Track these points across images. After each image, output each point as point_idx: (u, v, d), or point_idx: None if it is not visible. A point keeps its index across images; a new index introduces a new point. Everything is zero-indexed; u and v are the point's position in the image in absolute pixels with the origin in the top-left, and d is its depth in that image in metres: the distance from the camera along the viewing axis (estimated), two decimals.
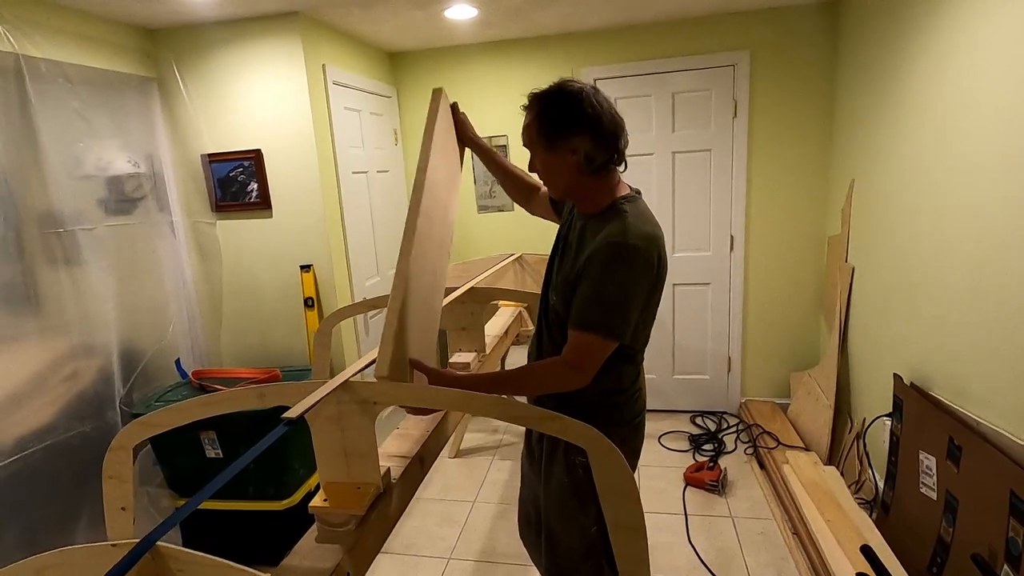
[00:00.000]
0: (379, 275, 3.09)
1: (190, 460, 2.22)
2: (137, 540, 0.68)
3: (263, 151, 2.50)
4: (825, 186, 2.99)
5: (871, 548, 1.25)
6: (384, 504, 1.20)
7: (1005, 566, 1.50)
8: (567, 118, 1.21)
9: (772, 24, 2.89)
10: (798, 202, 3.05)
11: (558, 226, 1.45)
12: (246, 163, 2.53)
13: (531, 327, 2.84)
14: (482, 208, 3.42)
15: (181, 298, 2.65)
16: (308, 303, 2.58)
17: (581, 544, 1.36)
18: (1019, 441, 1.51)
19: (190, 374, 2.44)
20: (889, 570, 1.21)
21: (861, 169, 2.57)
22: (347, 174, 2.73)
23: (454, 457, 3.07)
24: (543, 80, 3.42)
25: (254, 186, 2.54)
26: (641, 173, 3.16)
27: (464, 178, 3.39)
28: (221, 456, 2.19)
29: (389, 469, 1.26)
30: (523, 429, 3.52)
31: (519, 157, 3.27)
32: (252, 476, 2.19)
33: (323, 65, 2.54)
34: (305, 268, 2.58)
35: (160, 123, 2.54)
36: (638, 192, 1.33)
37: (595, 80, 3.13)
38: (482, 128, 3.32)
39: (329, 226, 2.57)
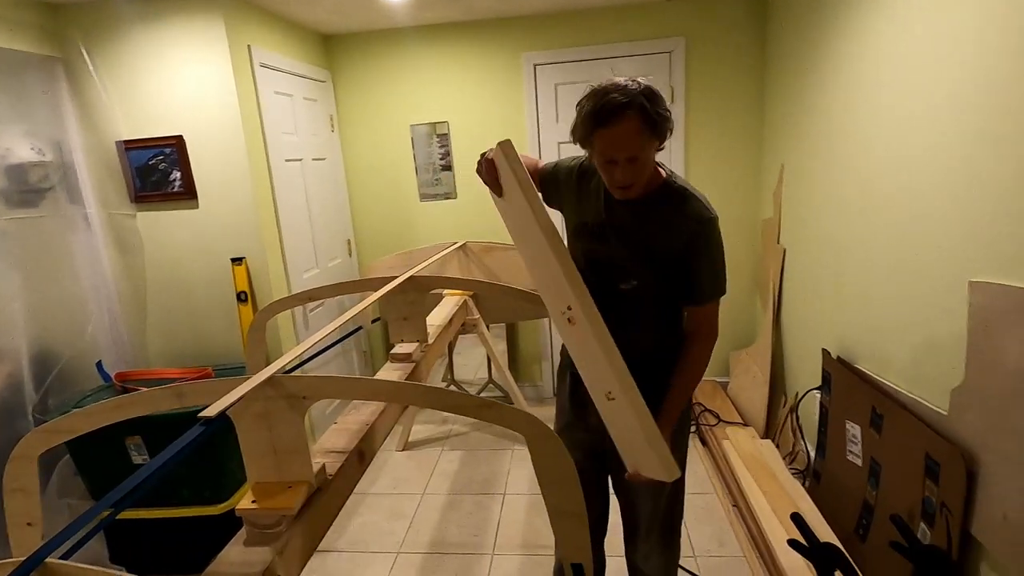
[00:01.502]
0: (318, 267, 2.99)
1: (115, 468, 2.08)
2: (22, 559, 0.62)
3: (185, 137, 2.35)
4: (757, 170, 3.09)
5: (800, 515, 1.30)
6: (319, 502, 1.15)
7: (922, 523, 1.60)
8: (664, 106, 1.18)
9: (705, 13, 2.95)
10: (732, 186, 3.14)
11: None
12: (167, 150, 2.37)
13: (476, 315, 2.82)
14: (424, 196, 3.35)
15: (100, 296, 2.47)
16: (241, 297, 2.46)
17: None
18: (933, 407, 1.61)
19: (113, 377, 2.28)
20: (817, 535, 1.27)
21: (790, 154, 2.66)
22: (279, 162, 2.61)
23: (402, 450, 3.02)
24: (484, 65, 3.38)
25: (177, 175, 2.39)
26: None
27: (405, 166, 3.32)
28: (149, 462, 2.06)
29: (324, 465, 1.21)
30: (474, 418, 3.50)
31: (462, 142, 3.23)
32: (186, 480, 2.08)
33: (248, 46, 2.40)
34: (237, 261, 2.45)
35: (68, 107, 2.34)
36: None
37: (535, 65, 3.11)
38: (423, 114, 3.27)
39: (261, 216, 2.45)
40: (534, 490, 2.58)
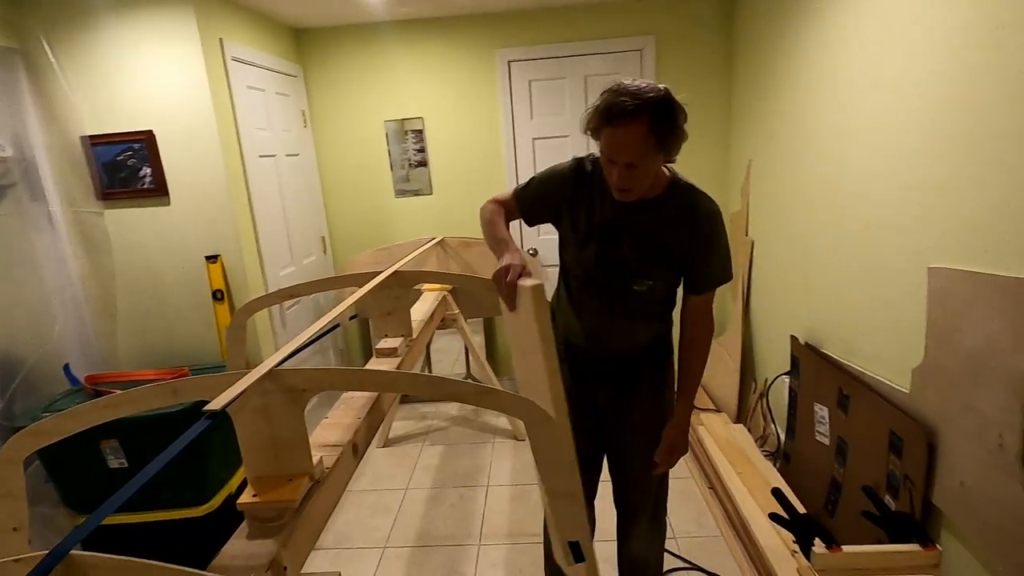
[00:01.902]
0: (294, 264, 2.95)
1: (90, 473, 2.02)
2: (45, 552, 0.62)
3: (156, 132, 2.29)
4: (726, 165, 3.20)
5: (780, 490, 1.38)
6: (318, 494, 1.16)
7: (887, 495, 1.70)
8: (678, 123, 1.20)
9: (675, 11, 3.02)
10: (702, 180, 3.15)
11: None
12: (136, 146, 2.30)
13: (455, 310, 2.84)
14: (400, 192, 3.34)
15: (66, 297, 2.39)
16: (217, 296, 2.42)
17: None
18: (896, 387, 1.71)
19: (83, 380, 2.21)
20: (796, 507, 1.35)
21: (757, 149, 2.77)
22: (253, 157, 2.56)
23: (383, 447, 3.02)
24: (459, 61, 3.38)
25: (147, 171, 2.33)
26: (556, 155, 3.20)
27: (380, 162, 3.30)
28: (126, 465, 2.02)
29: (322, 458, 1.21)
30: (454, 412, 3.50)
31: (437, 138, 3.22)
32: (166, 482, 2.04)
33: (220, 40, 2.36)
34: (211, 259, 2.40)
35: (28, 101, 2.25)
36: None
37: (509, 62, 3.14)
38: (398, 110, 3.26)
39: (237, 213, 2.41)
40: (517, 481, 2.63)
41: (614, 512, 1.64)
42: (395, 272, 1.97)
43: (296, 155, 3.05)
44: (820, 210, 2.17)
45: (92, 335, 2.48)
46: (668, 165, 1.39)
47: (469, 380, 3.57)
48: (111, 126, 2.29)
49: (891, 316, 1.75)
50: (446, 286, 2.92)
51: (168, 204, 2.37)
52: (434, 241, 2.92)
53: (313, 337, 1.37)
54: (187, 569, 0.62)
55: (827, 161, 2.10)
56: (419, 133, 3.25)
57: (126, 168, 2.33)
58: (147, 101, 2.27)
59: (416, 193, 3.34)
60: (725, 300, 3.33)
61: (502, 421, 3.19)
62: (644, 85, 1.16)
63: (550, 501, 1.12)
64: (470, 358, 3.58)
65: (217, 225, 2.39)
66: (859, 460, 1.88)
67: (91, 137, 2.30)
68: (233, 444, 1.09)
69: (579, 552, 1.19)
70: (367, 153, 3.29)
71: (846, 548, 1.11)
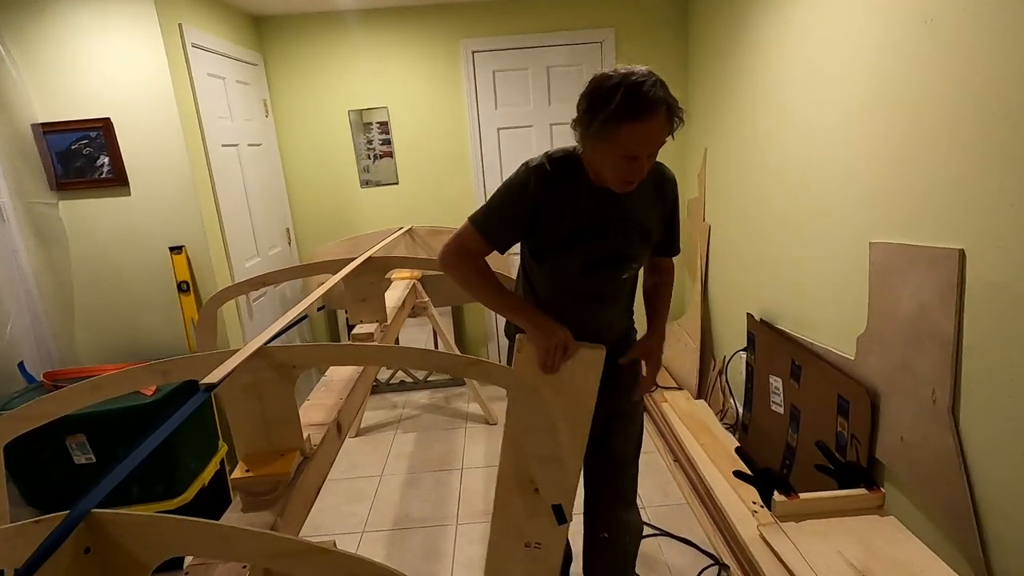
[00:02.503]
0: (259, 255, 2.91)
1: (54, 470, 1.97)
2: (64, 513, 0.64)
3: (113, 120, 2.22)
4: (683, 153, 3.33)
5: (743, 448, 1.49)
6: (309, 467, 1.19)
7: (835, 454, 1.85)
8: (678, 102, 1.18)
9: (633, 5, 3.12)
10: None
11: (531, 210, 1.30)
12: (92, 134, 2.23)
13: (425, 298, 2.88)
14: (365, 183, 3.34)
15: (19, 292, 2.30)
16: (183, 287, 2.38)
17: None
18: (842, 354, 1.86)
19: (42, 377, 2.15)
20: (756, 463, 1.46)
21: (712, 138, 2.90)
22: (216, 146, 2.52)
23: (355, 436, 3.03)
24: (423, 51, 3.38)
25: (105, 160, 2.26)
26: (521, 145, 3.28)
27: (344, 152, 3.29)
28: (94, 461, 1.97)
29: (309, 436, 1.24)
30: (424, 401, 3.53)
31: (403, 128, 3.22)
32: (136, 476, 2.00)
33: (180, 25, 2.30)
34: (176, 250, 2.36)
35: None
36: None
37: (473, 52, 3.17)
38: (362, 100, 3.24)
39: (201, 203, 2.37)
40: (491, 462, 2.69)
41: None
42: (369, 258, 2.00)
43: (258, 145, 3.01)
44: (772, 195, 2.31)
45: (48, 331, 2.40)
46: None
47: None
48: (65, 113, 2.21)
49: (837, 289, 1.90)
50: (415, 275, 2.95)
51: (128, 195, 2.30)
52: (402, 230, 2.94)
53: (297, 318, 1.39)
54: (205, 521, 0.65)
55: (777, 149, 2.24)
56: (384, 123, 3.25)
57: (82, 157, 2.25)
58: (103, 87, 2.20)
59: (381, 183, 3.34)
60: (685, 283, 3.47)
61: (473, 407, 3.24)
62: (642, 70, 1.13)
63: (536, 467, 1.19)
64: (439, 345, 3.62)
65: (181, 215, 2.34)
66: (811, 425, 2.03)
67: (43, 125, 2.21)
68: (205, 435, 1.10)
69: (562, 514, 1.26)
70: (331, 143, 3.27)
71: (803, 495, 1.22)
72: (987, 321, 1.33)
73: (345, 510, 2.41)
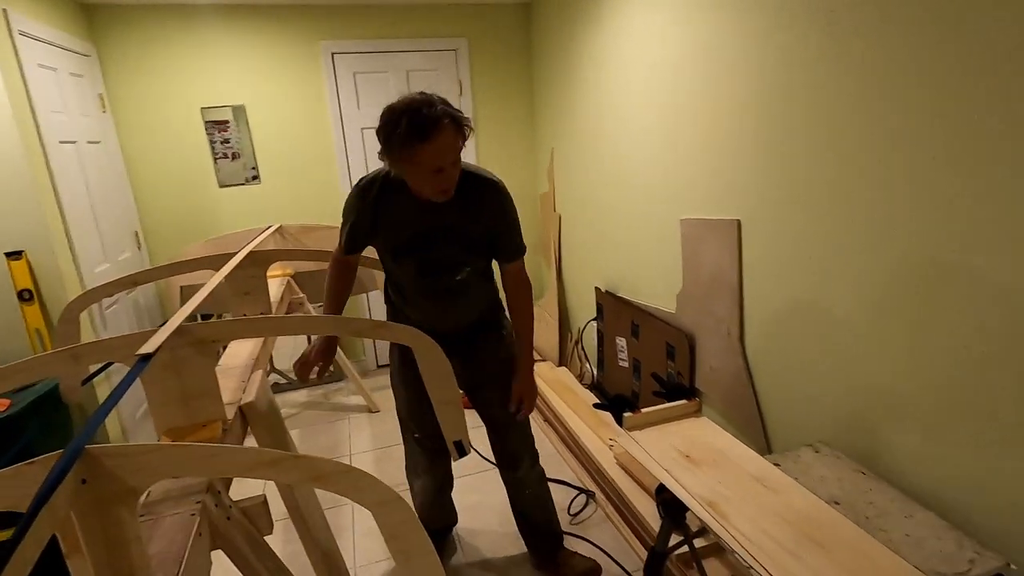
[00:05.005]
0: (108, 261, 2.72)
1: None
2: (58, 452, 0.73)
3: None
4: (533, 152, 3.73)
5: (598, 383, 1.84)
6: (230, 437, 1.29)
7: (664, 379, 2.32)
8: (463, 113, 1.35)
9: (482, 16, 3.44)
10: (514, 166, 3.73)
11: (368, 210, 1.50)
12: None
13: (301, 294, 2.92)
14: (225, 182, 3.24)
15: None
16: (24, 296, 2.18)
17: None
18: (667, 310, 2.33)
19: None
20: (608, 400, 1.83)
21: (558, 137, 3.33)
22: (53, 143, 2.33)
23: None
24: (282, 50, 3.38)
25: None
26: None
27: (199, 151, 3.18)
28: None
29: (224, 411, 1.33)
30: (302, 399, 3.52)
31: (262, 125, 3.20)
32: None
33: (4, 10, 2.11)
34: (13, 255, 2.15)
35: None
36: None
37: (333, 54, 3.25)
38: (216, 97, 3.16)
39: (42, 204, 2.19)
40: (379, 445, 2.83)
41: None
42: (251, 252, 2.05)
43: (98, 142, 2.79)
44: (607, 186, 2.77)
45: None
46: None
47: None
48: None
49: (660, 259, 2.37)
50: (288, 271, 2.97)
51: None
52: (272, 228, 2.94)
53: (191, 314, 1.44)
54: (191, 444, 0.78)
55: (610, 148, 2.69)
56: (243, 121, 3.19)
57: None
58: None
59: (242, 182, 3.28)
60: (542, 268, 3.89)
61: (354, 399, 3.33)
62: (417, 96, 1.29)
63: (438, 408, 1.41)
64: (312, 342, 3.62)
65: (18, 217, 2.15)
66: (648, 371, 2.50)
67: None
68: (63, 443, 1.12)
69: (462, 448, 1.51)
70: (183, 141, 3.13)
71: (643, 410, 1.60)
72: (757, 269, 1.83)
73: None
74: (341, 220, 1.59)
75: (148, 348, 1.03)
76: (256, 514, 1.24)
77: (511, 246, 1.58)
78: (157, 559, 0.90)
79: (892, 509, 1.27)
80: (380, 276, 3.25)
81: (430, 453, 1.86)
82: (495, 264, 1.63)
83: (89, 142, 2.70)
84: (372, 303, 3.71)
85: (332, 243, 3.05)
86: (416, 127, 1.25)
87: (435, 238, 1.49)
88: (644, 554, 1.90)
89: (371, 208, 1.49)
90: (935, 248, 1.27)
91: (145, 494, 1.10)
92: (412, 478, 1.98)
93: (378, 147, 1.35)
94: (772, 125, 1.68)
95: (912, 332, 1.35)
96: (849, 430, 1.57)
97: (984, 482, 1.23)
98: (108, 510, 0.76)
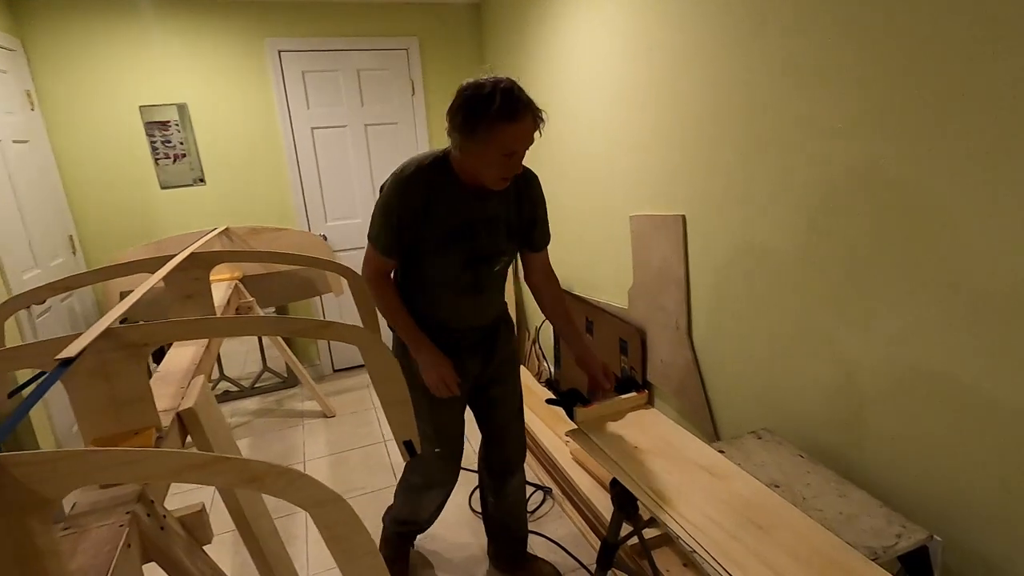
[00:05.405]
0: (39, 267, 2.57)
1: None
2: None
3: None
4: None
5: (553, 382, 1.86)
6: (167, 444, 1.24)
7: (616, 375, 2.35)
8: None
9: (434, 16, 3.42)
10: None
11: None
12: None
13: (250, 298, 2.83)
14: (167, 184, 3.12)
15: None
16: None
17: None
18: (619, 306, 2.37)
19: None
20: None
21: None
22: None
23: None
24: (226, 47, 3.29)
25: None
26: (336, 144, 3.37)
27: (138, 151, 3.05)
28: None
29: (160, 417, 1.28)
30: (253, 407, 3.41)
31: (206, 125, 3.09)
32: None
33: None
34: None
35: None
36: None
37: (279, 52, 3.18)
38: (156, 95, 3.04)
39: None
40: (334, 450, 2.77)
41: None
42: (193, 254, 1.97)
43: (25, 141, 2.65)
44: (564, 187, 2.79)
45: None
46: None
47: (266, 373, 3.52)
48: None
49: (612, 256, 2.41)
50: (236, 275, 2.88)
51: None
52: (218, 230, 2.85)
53: (120, 317, 1.38)
54: (109, 448, 0.74)
55: (566, 149, 2.71)
56: (184, 120, 3.08)
57: None
58: None
59: (185, 184, 3.16)
60: None
61: (308, 404, 3.25)
62: (503, 77, 1.31)
63: (386, 408, 1.39)
64: (264, 348, 3.53)
65: None
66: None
67: None
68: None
69: (412, 449, 1.49)
70: (120, 141, 2.99)
71: (595, 404, 1.61)
72: (701, 262, 1.88)
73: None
74: (374, 228, 1.46)
75: (69, 352, 0.98)
76: (194, 523, 1.19)
77: (545, 235, 1.62)
78: (79, 574, 0.86)
79: (827, 490, 1.32)
80: (335, 279, 3.20)
81: (451, 465, 1.76)
82: None
83: (15, 141, 2.55)
84: (326, 305, 3.64)
85: (283, 246, 3.00)
86: (510, 105, 1.27)
87: (479, 228, 1.45)
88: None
89: (423, 195, 1.40)
90: (877, 238, 1.33)
91: (71, 506, 1.05)
92: (422, 489, 1.81)
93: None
94: (713, 120, 1.73)
95: (848, 325, 1.41)
96: (788, 417, 1.63)
97: (907, 458, 1.30)
98: (18, 522, 0.71)
